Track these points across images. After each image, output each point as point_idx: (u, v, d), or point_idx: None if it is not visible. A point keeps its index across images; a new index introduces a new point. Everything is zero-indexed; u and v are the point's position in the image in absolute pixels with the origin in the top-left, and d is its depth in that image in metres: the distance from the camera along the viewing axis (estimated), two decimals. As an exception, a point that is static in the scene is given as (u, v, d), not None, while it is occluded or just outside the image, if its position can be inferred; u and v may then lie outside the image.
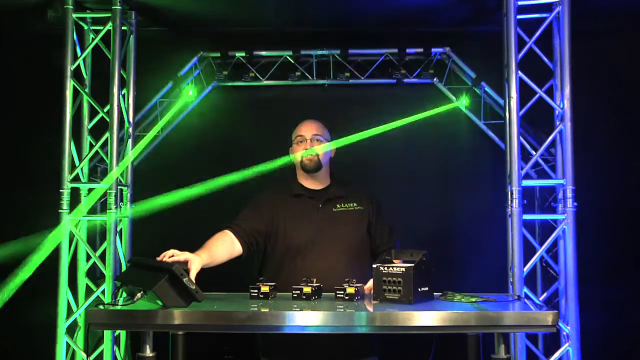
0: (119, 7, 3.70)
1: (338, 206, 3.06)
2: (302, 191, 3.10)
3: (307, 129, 3.14)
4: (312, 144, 3.08)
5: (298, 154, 3.10)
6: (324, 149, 3.10)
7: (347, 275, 2.79)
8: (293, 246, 2.99)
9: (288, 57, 4.35)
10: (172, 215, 4.28)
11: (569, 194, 3.54)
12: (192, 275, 2.59)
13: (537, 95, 3.61)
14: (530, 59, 3.60)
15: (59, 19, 3.81)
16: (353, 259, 3.00)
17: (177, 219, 4.26)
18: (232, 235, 2.96)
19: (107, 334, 3.59)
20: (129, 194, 3.85)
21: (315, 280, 2.69)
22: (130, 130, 3.85)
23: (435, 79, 4.31)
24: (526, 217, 3.54)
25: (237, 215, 3.05)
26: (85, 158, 3.87)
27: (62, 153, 3.74)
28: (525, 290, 3.47)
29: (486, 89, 4.24)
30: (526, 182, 3.58)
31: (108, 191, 3.69)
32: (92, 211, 4.07)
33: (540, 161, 3.82)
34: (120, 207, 3.77)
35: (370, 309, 2.49)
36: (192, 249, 2.79)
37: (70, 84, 3.77)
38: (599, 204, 3.95)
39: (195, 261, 2.65)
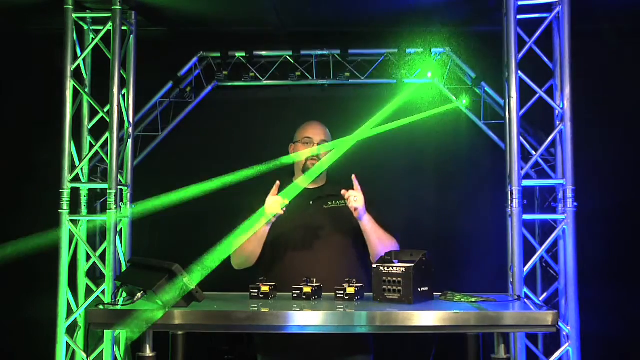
0: (119, 7, 3.69)
1: (330, 203, 3.09)
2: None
3: (315, 133, 3.17)
4: (318, 149, 3.11)
5: (302, 156, 3.12)
6: (328, 157, 3.14)
7: (337, 270, 2.87)
8: (283, 241, 3.03)
9: (288, 57, 4.35)
10: (172, 215, 4.29)
11: (569, 194, 3.54)
12: None
13: (537, 95, 3.61)
14: (530, 59, 3.60)
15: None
16: (343, 255, 3.04)
17: (177, 219, 4.26)
18: None
19: (107, 334, 3.59)
20: (129, 194, 3.85)
21: (312, 277, 2.70)
22: (130, 130, 3.85)
23: (435, 79, 4.31)
24: (526, 217, 3.54)
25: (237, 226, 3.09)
26: (85, 158, 3.87)
27: (62, 153, 3.74)
28: (525, 290, 3.47)
29: (486, 89, 4.23)
30: (526, 182, 3.58)
31: (108, 191, 3.69)
32: (92, 211, 4.07)
33: (540, 161, 3.81)
34: (120, 207, 3.77)
35: None
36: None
37: (70, 84, 3.77)
38: (599, 204, 3.95)
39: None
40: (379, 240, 2.97)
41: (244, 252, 3.02)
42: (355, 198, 2.90)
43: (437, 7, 3.86)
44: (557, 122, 3.59)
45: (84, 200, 3.94)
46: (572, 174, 3.54)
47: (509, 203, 3.48)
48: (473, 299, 2.60)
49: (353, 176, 2.94)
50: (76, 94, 3.84)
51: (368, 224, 2.97)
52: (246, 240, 3.00)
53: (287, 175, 3.25)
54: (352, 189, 3.10)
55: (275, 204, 2.89)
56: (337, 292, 2.64)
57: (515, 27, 3.49)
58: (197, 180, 4.34)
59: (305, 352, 2.87)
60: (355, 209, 2.91)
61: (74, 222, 3.81)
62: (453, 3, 3.79)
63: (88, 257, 3.94)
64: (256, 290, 2.68)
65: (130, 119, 3.86)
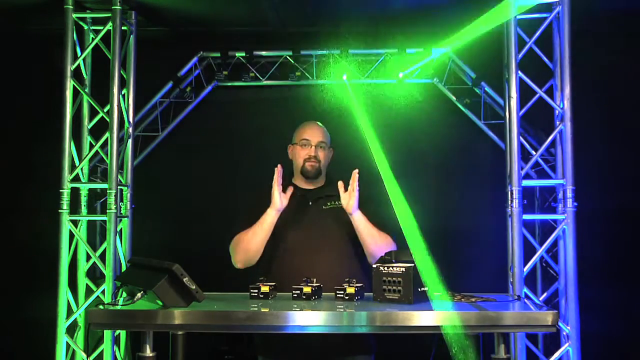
0: (119, 7, 3.69)
1: (328, 204, 3.09)
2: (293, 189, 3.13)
3: (314, 134, 3.14)
4: (316, 151, 3.08)
5: (300, 157, 3.11)
6: (327, 158, 3.13)
7: (337, 270, 2.87)
8: (283, 242, 3.02)
9: (288, 57, 4.35)
10: (173, 214, 4.29)
11: (569, 194, 3.54)
12: None
13: (537, 95, 3.61)
14: (530, 59, 3.60)
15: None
16: (343, 255, 3.04)
17: (177, 219, 4.27)
18: None
19: (107, 334, 3.59)
20: (129, 194, 3.85)
21: (312, 277, 2.70)
22: (130, 130, 3.85)
23: (435, 79, 4.31)
24: (526, 217, 3.54)
25: (237, 224, 3.07)
26: (85, 158, 3.87)
27: (62, 153, 3.74)
28: (525, 290, 3.47)
29: (486, 89, 4.23)
30: (526, 182, 3.58)
31: (108, 191, 3.69)
32: (92, 211, 4.07)
33: (540, 161, 3.81)
34: (120, 207, 3.77)
35: None
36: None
37: (70, 84, 3.77)
38: (599, 204, 3.95)
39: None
40: (371, 238, 2.97)
41: (250, 245, 2.99)
42: (353, 194, 2.92)
43: (437, 7, 3.86)
44: (557, 122, 3.59)
45: (84, 200, 3.94)
46: (572, 174, 3.54)
47: (509, 203, 3.48)
48: (473, 299, 2.60)
49: (355, 171, 2.93)
50: (76, 94, 3.84)
51: (360, 220, 2.96)
52: (252, 233, 2.99)
53: (285, 176, 3.25)
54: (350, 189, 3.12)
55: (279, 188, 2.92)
56: (337, 292, 2.64)
57: (515, 27, 3.49)
58: (197, 180, 4.35)
59: (305, 352, 2.87)
60: (348, 205, 2.93)
61: (74, 222, 3.81)
62: (453, 3, 3.79)
63: (88, 257, 3.94)
64: (256, 290, 2.68)
65: (130, 119, 3.86)
